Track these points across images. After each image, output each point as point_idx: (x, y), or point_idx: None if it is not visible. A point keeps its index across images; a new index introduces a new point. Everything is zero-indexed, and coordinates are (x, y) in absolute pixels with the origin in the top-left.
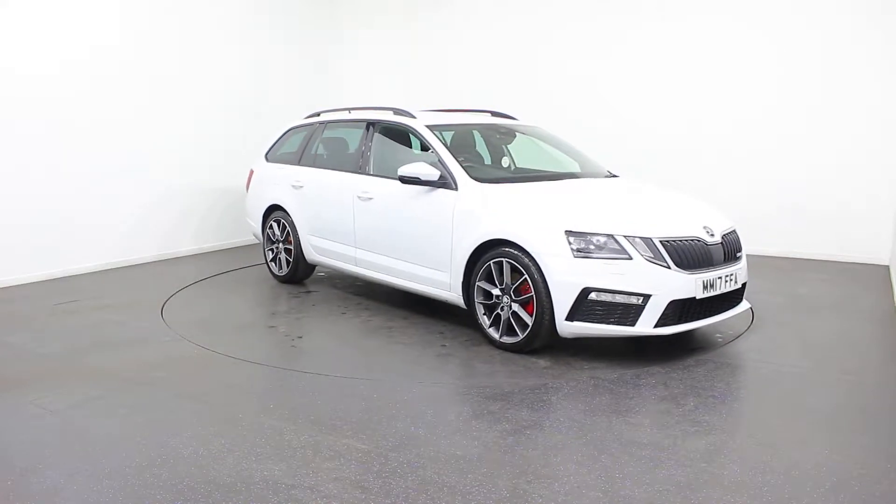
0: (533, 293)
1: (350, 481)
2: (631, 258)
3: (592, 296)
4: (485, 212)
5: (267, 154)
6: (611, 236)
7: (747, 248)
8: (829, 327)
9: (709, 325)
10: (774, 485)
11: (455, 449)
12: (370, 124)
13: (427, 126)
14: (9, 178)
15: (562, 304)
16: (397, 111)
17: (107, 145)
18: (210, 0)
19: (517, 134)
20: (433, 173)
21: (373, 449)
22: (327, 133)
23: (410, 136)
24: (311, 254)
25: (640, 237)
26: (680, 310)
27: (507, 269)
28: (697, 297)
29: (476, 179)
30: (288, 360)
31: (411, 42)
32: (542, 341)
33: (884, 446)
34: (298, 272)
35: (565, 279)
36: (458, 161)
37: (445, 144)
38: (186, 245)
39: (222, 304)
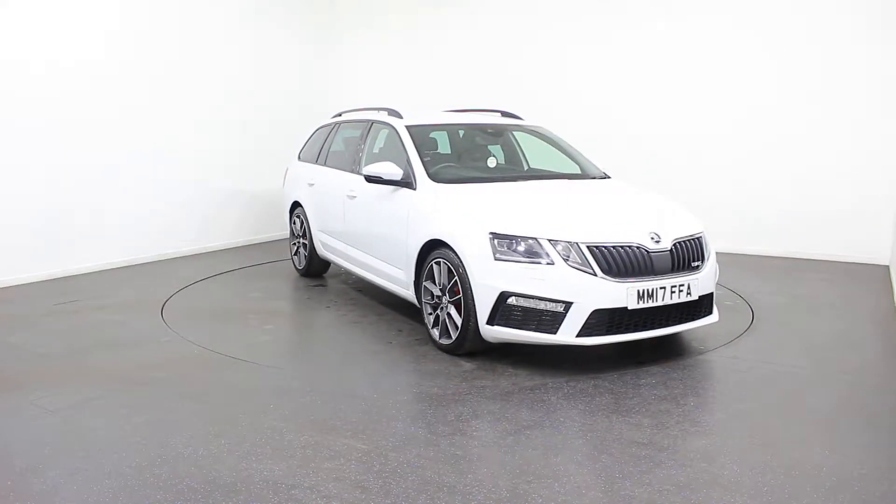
0: (461, 295)
1: (350, 481)
2: (553, 263)
3: (511, 300)
4: (433, 211)
5: (299, 154)
6: (535, 240)
7: (747, 248)
8: (829, 327)
9: (682, 335)
10: (774, 485)
11: (455, 449)
12: (367, 125)
13: (406, 126)
14: (9, 177)
15: (483, 307)
16: (391, 112)
17: (107, 145)
18: (212, 1)
19: (505, 134)
20: (396, 172)
21: (373, 449)
22: (339, 133)
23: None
24: (320, 249)
25: (566, 241)
26: (608, 320)
27: (443, 269)
28: (630, 308)
29: (434, 179)
30: (278, 356)
31: (414, 42)
32: (472, 345)
33: (884, 446)
34: (313, 267)
35: (485, 282)
36: (422, 161)
37: (415, 145)
38: (188, 245)
39: (222, 302)
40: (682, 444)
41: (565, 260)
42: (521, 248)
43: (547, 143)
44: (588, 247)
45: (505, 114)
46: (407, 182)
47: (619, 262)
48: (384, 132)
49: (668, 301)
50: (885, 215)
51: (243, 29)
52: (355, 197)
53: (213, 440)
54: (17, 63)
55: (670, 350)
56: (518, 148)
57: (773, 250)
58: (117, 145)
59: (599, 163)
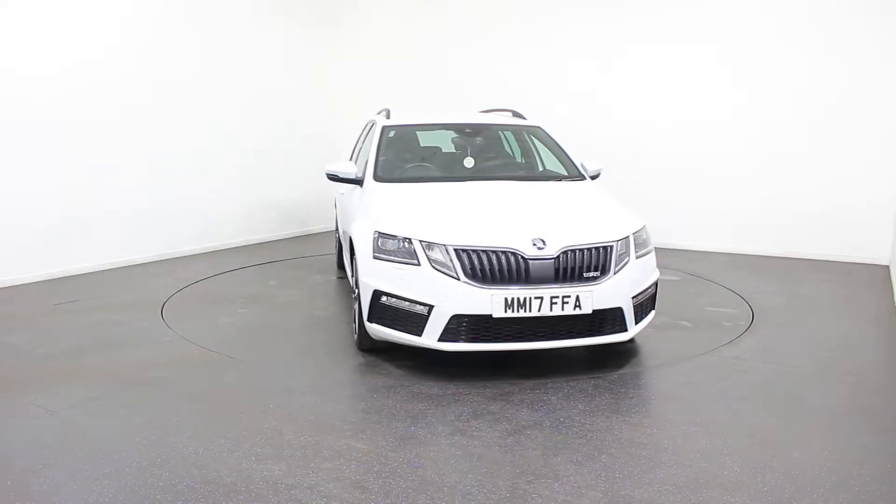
0: (359, 291)
1: (350, 481)
2: (419, 265)
3: (383, 299)
4: (362, 209)
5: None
6: (407, 240)
7: (747, 248)
8: (829, 327)
9: (681, 335)
10: (774, 485)
11: (455, 449)
12: (370, 124)
13: (383, 126)
14: (10, 177)
15: (365, 304)
16: (388, 113)
17: (107, 145)
18: (213, 3)
19: (488, 133)
20: (350, 171)
21: (373, 449)
22: (363, 133)
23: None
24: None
25: (437, 243)
26: (472, 326)
27: (355, 265)
28: (495, 316)
29: (377, 179)
30: (274, 354)
31: (416, 41)
32: (366, 341)
33: (884, 446)
34: (342, 258)
35: (364, 280)
36: (375, 160)
37: (379, 144)
38: (188, 244)
39: (222, 300)
40: (682, 444)
41: (431, 262)
42: (395, 247)
43: (541, 142)
44: (455, 249)
45: (515, 114)
46: (359, 180)
47: (486, 267)
48: (373, 132)
49: (546, 312)
50: (885, 215)
51: (244, 29)
52: (343, 194)
53: (213, 440)
54: (17, 63)
55: (671, 350)
56: (532, 147)
57: (773, 250)
58: (117, 145)
59: (597, 163)
